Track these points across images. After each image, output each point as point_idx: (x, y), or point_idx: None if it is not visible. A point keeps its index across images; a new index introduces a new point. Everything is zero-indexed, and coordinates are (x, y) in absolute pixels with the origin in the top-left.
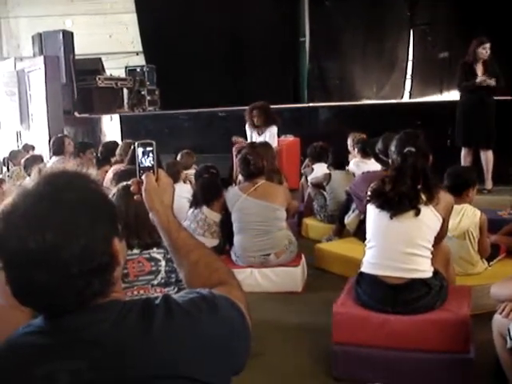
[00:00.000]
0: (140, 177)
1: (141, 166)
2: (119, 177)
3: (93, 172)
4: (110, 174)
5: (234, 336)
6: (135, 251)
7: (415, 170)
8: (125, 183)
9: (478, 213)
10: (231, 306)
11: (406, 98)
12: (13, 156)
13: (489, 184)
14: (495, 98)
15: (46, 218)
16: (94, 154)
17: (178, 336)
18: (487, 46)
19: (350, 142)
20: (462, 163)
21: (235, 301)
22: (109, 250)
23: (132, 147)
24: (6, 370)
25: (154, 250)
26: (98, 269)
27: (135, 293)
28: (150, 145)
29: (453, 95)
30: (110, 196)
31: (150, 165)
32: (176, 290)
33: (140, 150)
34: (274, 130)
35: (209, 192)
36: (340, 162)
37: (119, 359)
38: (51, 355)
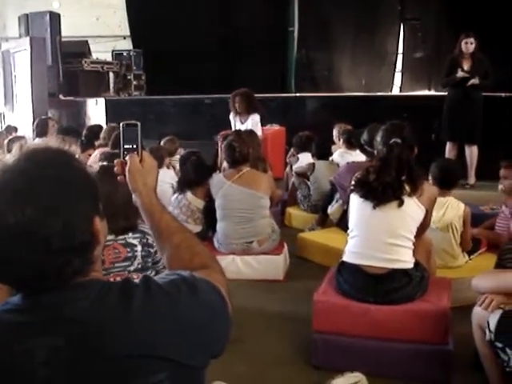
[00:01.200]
0: (124, 157)
1: (124, 146)
2: (105, 159)
3: (76, 151)
4: (93, 157)
5: (213, 319)
6: (110, 237)
7: (400, 160)
8: (101, 164)
9: (462, 206)
10: (212, 290)
11: (395, 92)
12: None
13: (472, 179)
14: (483, 93)
15: (25, 193)
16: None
17: (157, 316)
18: (470, 40)
19: (335, 132)
20: (447, 157)
21: (216, 284)
22: (90, 229)
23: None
24: None
25: (130, 235)
26: (79, 247)
27: (111, 280)
28: (135, 125)
29: (440, 90)
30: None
31: (133, 146)
32: (153, 273)
33: (124, 131)
34: (256, 117)
35: (200, 172)
36: (324, 152)
37: (97, 338)
38: (29, 332)
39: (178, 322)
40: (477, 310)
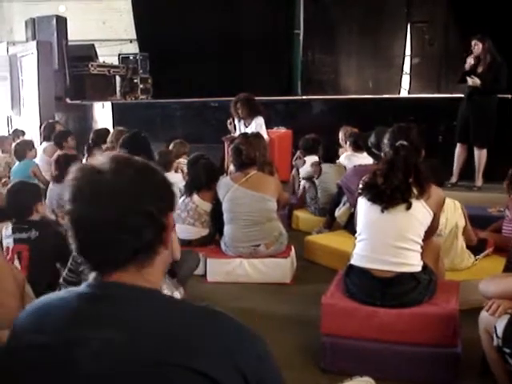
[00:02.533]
0: None
1: None
2: None
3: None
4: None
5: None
6: None
7: (407, 163)
8: None
9: (457, 203)
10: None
11: (402, 95)
12: (0, 142)
13: (479, 181)
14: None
15: (124, 165)
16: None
17: (218, 337)
18: (473, 42)
19: (341, 135)
20: (456, 159)
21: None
22: (167, 218)
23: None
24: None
25: None
26: (157, 219)
27: None
28: None
29: (449, 92)
30: None
31: None
32: None
33: None
34: (260, 120)
35: (211, 174)
36: (331, 155)
37: (155, 343)
38: (90, 322)
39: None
40: (484, 315)
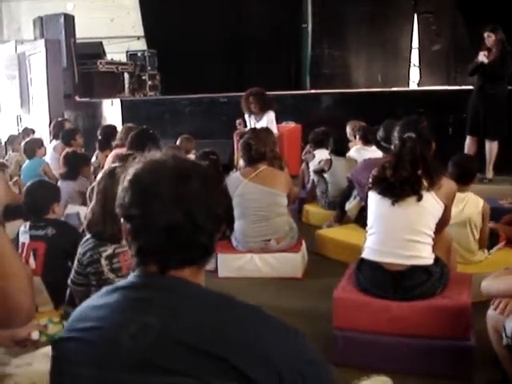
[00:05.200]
0: None
1: None
2: (120, 160)
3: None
4: (110, 158)
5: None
6: (124, 242)
7: (414, 154)
8: (112, 166)
9: (481, 201)
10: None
11: (411, 87)
12: (11, 141)
13: (490, 173)
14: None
15: (196, 170)
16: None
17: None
18: (486, 34)
19: (348, 130)
20: (466, 152)
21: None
22: (223, 211)
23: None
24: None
25: None
26: (221, 220)
27: None
28: None
29: (459, 84)
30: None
31: None
32: None
33: None
34: (271, 115)
35: None
36: (342, 148)
37: (195, 330)
38: (132, 306)
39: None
40: (491, 313)
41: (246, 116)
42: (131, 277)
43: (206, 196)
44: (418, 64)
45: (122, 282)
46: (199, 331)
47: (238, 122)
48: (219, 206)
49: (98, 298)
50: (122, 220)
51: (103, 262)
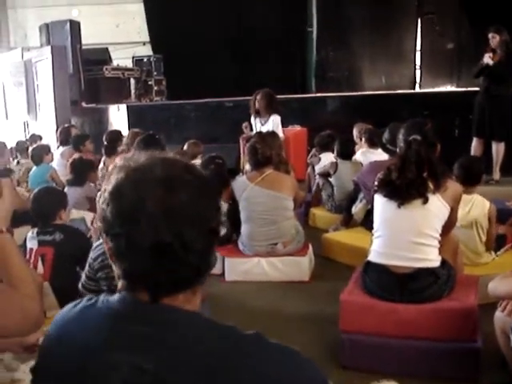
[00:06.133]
0: None
1: None
2: None
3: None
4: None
5: None
6: None
7: (419, 157)
8: None
9: (488, 203)
10: None
11: (416, 90)
12: (20, 147)
13: (497, 175)
14: None
15: (185, 177)
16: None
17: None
18: (490, 35)
19: (355, 133)
20: (472, 153)
21: None
22: (218, 226)
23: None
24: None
25: None
26: (217, 235)
27: None
28: None
29: (462, 85)
30: None
31: None
32: None
33: None
34: (277, 119)
35: (217, 182)
36: (348, 151)
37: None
38: (121, 343)
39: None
40: (499, 315)
41: (252, 119)
42: (120, 301)
43: (197, 209)
44: (419, 65)
45: (107, 303)
46: (198, 376)
47: (244, 125)
48: (212, 218)
49: (76, 319)
50: (104, 236)
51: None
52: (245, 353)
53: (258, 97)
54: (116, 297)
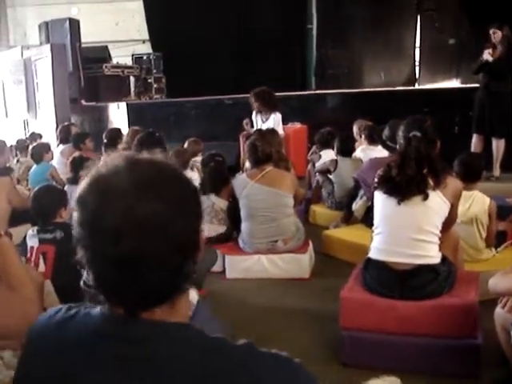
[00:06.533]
0: None
1: None
2: None
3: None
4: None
5: None
6: None
7: (419, 153)
8: None
9: (488, 200)
10: None
11: (416, 86)
12: (20, 145)
13: (497, 171)
14: None
15: (155, 186)
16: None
17: None
18: (492, 30)
19: (355, 129)
20: (472, 150)
21: None
22: (198, 236)
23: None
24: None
25: None
26: (195, 245)
27: None
28: None
29: (462, 82)
30: None
31: None
32: None
33: None
34: (278, 116)
35: (216, 180)
36: (348, 148)
37: None
38: (97, 361)
39: None
40: (499, 312)
41: (253, 116)
42: (100, 317)
43: (164, 221)
44: (419, 61)
45: (87, 318)
46: None
47: (245, 121)
48: (185, 230)
49: (57, 328)
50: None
51: None
52: (238, 364)
53: (256, 97)
54: (96, 311)
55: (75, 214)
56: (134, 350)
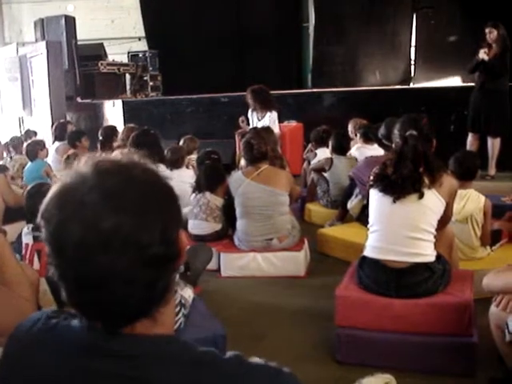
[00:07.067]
0: None
1: None
2: None
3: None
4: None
5: None
6: None
7: (416, 152)
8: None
9: (483, 198)
10: None
11: (412, 85)
12: (14, 143)
13: (492, 170)
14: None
15: (120, 196)
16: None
17: None
18: (488, 29)
19: (350, 128)
20: (468, 149)
21: None
22: (177, 241)
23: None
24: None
25: None
26: (171, 258)
27: None
28: None
29: (457, 81)
30: None
31: None
32: None
33: None
34: (274, 115)
35: (212, 178)
36: (343, 146)
37: None
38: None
39: None
40: (494, 310)
41: (249, 113)
42: (79, 332)
43: (135, 233)
44: (414, 60)
45: (67, 331)
46: None
47: (240, 119)
48: (156, 242)
49: (37, 339)
50: None
51: None
52: (228, 378)
53: (251, 96)
54: (76, 325)
55: (42, 231)
56: (119, 367)
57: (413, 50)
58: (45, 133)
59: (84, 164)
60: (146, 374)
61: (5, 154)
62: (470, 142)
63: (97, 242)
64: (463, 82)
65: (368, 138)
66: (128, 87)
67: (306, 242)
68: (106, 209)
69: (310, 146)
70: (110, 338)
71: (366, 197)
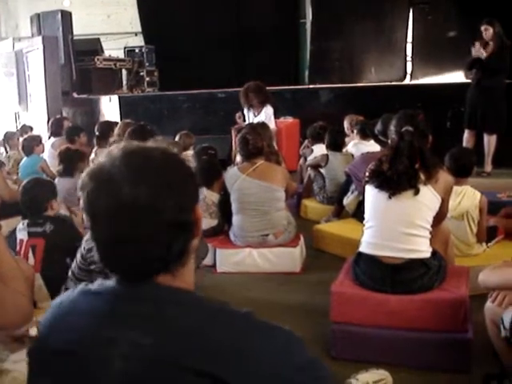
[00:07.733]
0: None
1: None
2: None
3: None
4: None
5: None
6: None
7: (412, 148)
8: None
9: (478, 195)
10: None
11: (407, 80)
12: (9, 138)
13: (488, 167)
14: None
15: (142, 169)
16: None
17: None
18: (483, 27)
19: (346, 124)
20: (464, 145)
21: None
22: (193, 213)
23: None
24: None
25: None
26: (185, 225)
27: None
28: None
29: (454, 77)
30: None
31: None
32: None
33: None
34: (269, 110)
35: (208, 174)
36: (338, 142)
37: (193, 349)
38: (119, 321)
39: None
40: (489, 306)
41: (245, 110)
42: (108, 283)
43: (153, 202)
44: (411, 56)
45: (99, 287)
46: (193, 352)
47: (237, 115)
48: (173, 210)
49: (73, 301)
50: None
51: None
52: (234, 330)
53: (250, 94)
54: (110, 281)
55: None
56: (141, 309)
57: (409, 46)
58: (41, 128)
59: (115, 147)
60: (161, 312)
61: (1, 150)
62: (466, 138)
63: (119, 208)
64: (459, 78)
65: (365, 134)
66: (124, 82)
67: (301, 237)
68: (128, 181)
69: (306, 142)
70: (135, 286)
71: (362, 193)
